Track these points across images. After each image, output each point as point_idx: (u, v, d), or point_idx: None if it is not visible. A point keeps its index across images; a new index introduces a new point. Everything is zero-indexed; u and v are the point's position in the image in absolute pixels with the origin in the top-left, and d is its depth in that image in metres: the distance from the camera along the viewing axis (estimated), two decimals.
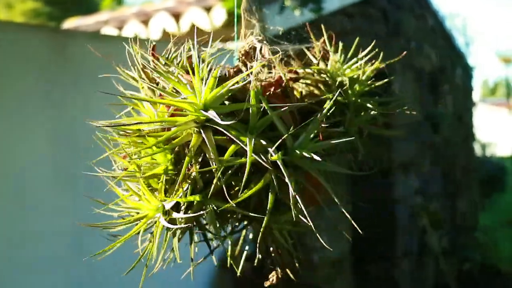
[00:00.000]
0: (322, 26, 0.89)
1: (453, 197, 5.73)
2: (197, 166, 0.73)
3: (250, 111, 0.71)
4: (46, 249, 2.41)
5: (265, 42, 0.91)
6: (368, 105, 0.86)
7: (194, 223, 0.79)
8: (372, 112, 0.86)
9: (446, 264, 5.14)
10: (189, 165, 0.73)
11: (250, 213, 0.74)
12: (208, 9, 3.33)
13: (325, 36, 0.90)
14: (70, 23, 4.78)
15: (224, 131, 0.69)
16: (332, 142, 0.73)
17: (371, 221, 4.79)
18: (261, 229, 0.81)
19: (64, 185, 2.48)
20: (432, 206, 5.34)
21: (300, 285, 3.30)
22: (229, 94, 0.72)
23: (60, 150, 2.46)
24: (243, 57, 0.91)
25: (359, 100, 0.86)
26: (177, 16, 3.53)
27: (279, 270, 0.86)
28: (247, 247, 0.91)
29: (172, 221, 0.76)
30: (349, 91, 0.86)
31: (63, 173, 2.46)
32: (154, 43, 0.84)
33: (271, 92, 0.77)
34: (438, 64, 5.48)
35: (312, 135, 0.72)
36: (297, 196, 0.70)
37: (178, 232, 0.78)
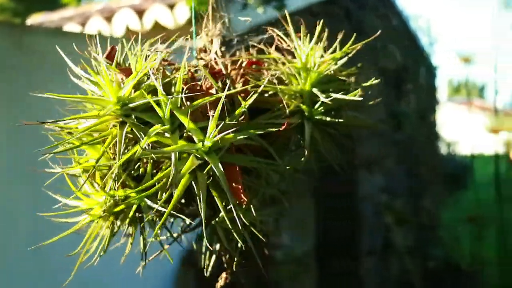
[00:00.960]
0: (287, 15, 0.88)
1: (417, 195, 5.80)
2: (117, 160, 0.72)
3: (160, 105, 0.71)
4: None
5: (218, 36, 0.90)
6: (321, 94, 0.81)
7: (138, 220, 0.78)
8: (329, 102, 0.81)
9: (410, 261, 5.20)
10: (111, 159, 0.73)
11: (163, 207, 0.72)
12: (171, 6, 3.31)
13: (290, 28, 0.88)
14: (34, 19, 4.70)
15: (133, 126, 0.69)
16: (236, 134, 0.70)
17: (337, 218, 4.83)
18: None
19: (20, 180, 2.44)
20: (397, 204, 5.40)
21: (263, 282, 3.29)
22: (150, 89, 0.72)
23: (18, 145, 2.42)
24: (200, 54, 0.90)
25: (313, 90, 0.83)
26: (140, 13, 3.50)
27: (228, 271, 0.85)
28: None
29: (118, 217, 0.76)
30: (303, 80, 0.84)
31: (21, 168, 2.42)
32: (113, 45, 0.83)
33: (191, 85, 0.75)
34: (402, 63, 5.54)
35: (213, 127, 0.69)
36: (200, 190, 0.69)
37: (116, 229, 0.77)
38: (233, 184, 0.69)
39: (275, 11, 2.85)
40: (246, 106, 0.72)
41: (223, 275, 0.84)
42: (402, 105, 5.49)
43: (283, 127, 0.76)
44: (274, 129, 0.75)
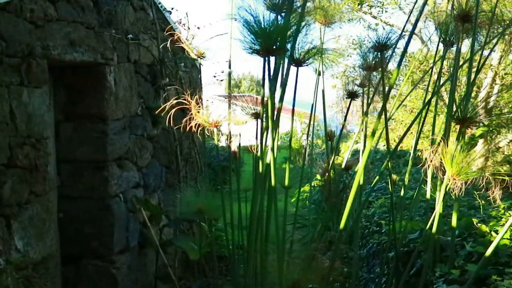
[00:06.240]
0: None
1: (175, 188, 5.80)
2: None
3: None
4: None
5: None
6: None
7: None
8: None
9: (167, 256, 5.18)
10: None
11: None
12: None
13: None
14: None
15: None
16: None
17: (86, 217, 4.62)
18: None
19: None
20: (153, 199, 5.34)
21: None
22: None
23: None
24: None
25: None
26: None
27: None
28: None
29: None
30: None
31: None
32: None
33: None
34: (160, 56, 5.49)
35: None
36: None
37: None
38: None
39: None
40: None
41: None
42: (159, 100, 5.44)
43: None
44: None
